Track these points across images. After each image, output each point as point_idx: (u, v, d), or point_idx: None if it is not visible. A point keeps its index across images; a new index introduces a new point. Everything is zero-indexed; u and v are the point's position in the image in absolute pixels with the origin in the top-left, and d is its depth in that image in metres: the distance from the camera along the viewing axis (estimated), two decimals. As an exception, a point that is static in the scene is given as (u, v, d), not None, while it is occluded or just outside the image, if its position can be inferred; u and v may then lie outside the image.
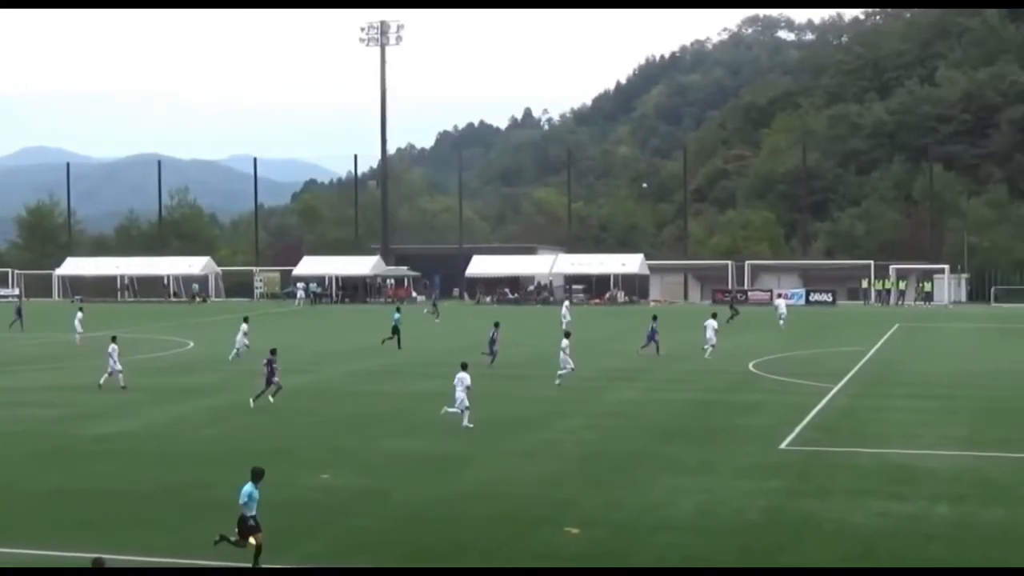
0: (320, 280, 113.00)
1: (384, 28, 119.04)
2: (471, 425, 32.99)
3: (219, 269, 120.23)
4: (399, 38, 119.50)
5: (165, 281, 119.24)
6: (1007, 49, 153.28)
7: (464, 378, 33.37)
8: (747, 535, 21.78)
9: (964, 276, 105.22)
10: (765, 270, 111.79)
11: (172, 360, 54.91)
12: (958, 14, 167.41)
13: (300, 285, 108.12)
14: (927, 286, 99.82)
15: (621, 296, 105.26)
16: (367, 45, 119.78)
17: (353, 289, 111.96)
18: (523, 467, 27.99)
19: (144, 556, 20.35)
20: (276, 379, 37.95)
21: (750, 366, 48.70)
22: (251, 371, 48.11)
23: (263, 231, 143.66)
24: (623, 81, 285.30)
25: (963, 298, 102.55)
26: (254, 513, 19.60)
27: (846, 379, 43.82)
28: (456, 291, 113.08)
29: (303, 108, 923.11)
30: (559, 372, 43.03)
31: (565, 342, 43.71)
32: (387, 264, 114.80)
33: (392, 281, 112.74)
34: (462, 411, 33.21)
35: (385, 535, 22.03)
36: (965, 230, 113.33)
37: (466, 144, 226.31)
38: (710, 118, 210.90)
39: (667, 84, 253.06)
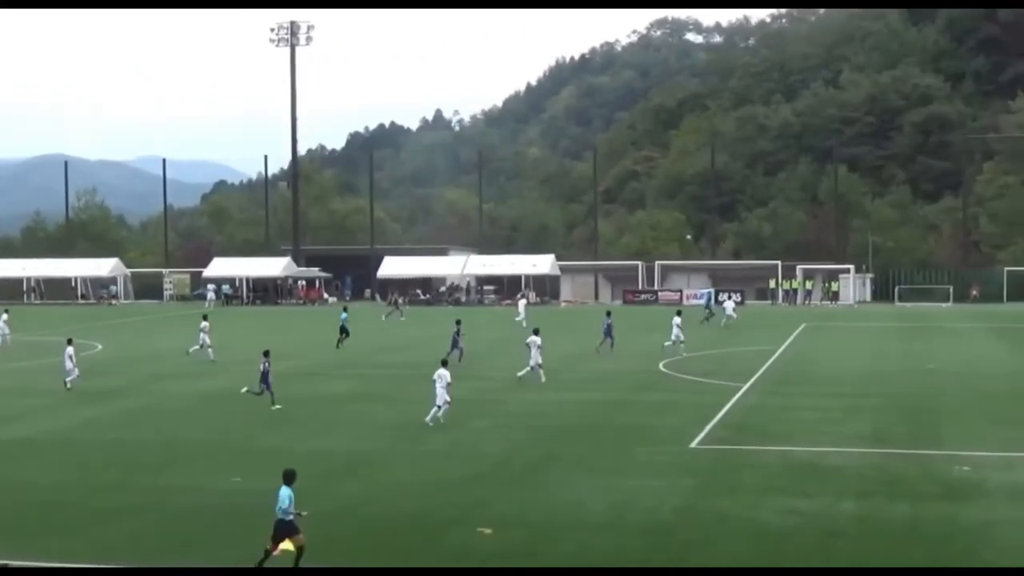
0: (231, 282, 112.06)
1: (294, 29, 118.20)
2: (440, 422, 33.49)
3: (128, 271, 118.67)
4: (309, 39, 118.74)
5: (73, 283, 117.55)
6: (909, 52, 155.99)
7: (444, 374, 33.84)
8: (659, 533, 22.13)
9: (869, 276, 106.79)
10: (674, 270, 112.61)
11: (81, 363, 54.18)
12: (862, 18, 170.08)
13: (211, 287, 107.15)
14: (833, 286, 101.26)
15: (532, 297, 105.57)
16: (277, 46, 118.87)
17: (264, 291, 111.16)
18: (437, 468, 28.15)
19: (57, 562, 20.24)
20: (270, 381, 38.02)
21: (661, 366, 49.17)
22: (161, 374, 47.86)
23: (172, 233, 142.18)
24: (533, 83, 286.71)
25: (868, 297, 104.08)
26: (292, 517, 19.46)
27: (755, 378, 44.39)
28: (368, 292, 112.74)
29: (212, 109, 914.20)
30: (529, 367, 43.54)
31: (536, 339, 43.92)
32: (298, 265, 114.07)
33: (303, 283, 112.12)
34: (439, 406, 33.64)
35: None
36: (869, 230, 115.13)
37: (377, 145, 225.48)
38: (619, 119, 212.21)
39: (577, 86, 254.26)
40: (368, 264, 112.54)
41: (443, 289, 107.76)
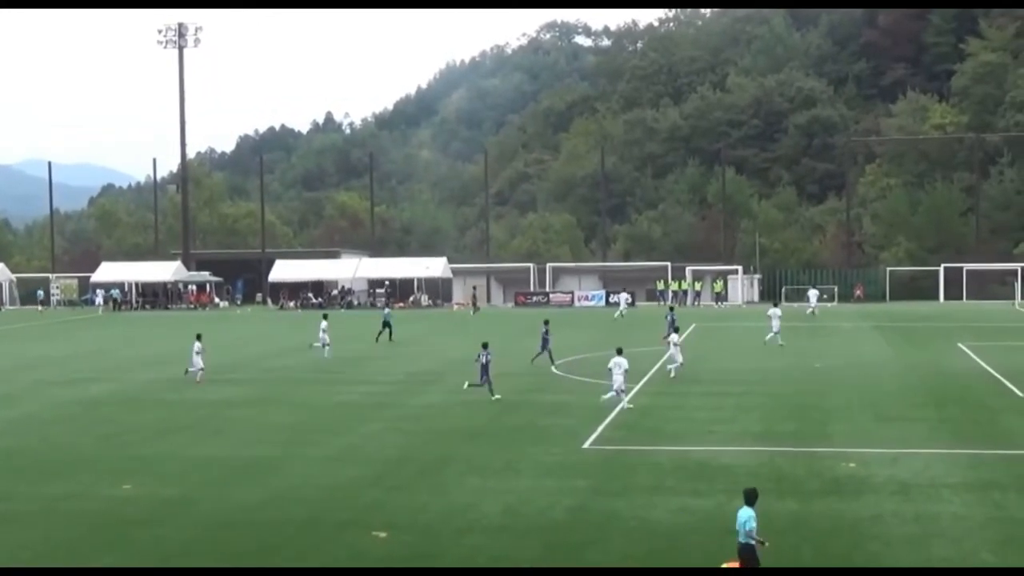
0: (120, 286, 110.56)
1: (182, 30, 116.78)
2: (631, 406, 36.27)
3: (13, 276, 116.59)
4: (197, 40, 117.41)
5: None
6: (793, 56, 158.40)
7: (621, 362, 36.45)
8: (553, 533, 22.27)
9: (756, 276, 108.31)
10: (566, 272, 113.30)
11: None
12: (747, 22, 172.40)
13: (99, 292, 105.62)
14: (717, 286, 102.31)
15: (425, 300, 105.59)
16: (165, 47, 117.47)
17: (154, 295, 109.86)
18: (329, 472, 28.05)
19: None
20: (489, 375, 39.62)
21: (553, 368, 49.35)
22: (46, 381, 46.99)
23: (59, 237, 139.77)
24: (424, 85, 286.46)
25: (755, 298, 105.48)
26: (755, 542, 18.16)
27: (646, 379, 44.67)
28: (259, 296, 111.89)
29: (99, 111, 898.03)
30: (670, 366, 45.80)
31: (676, 337, 47.17)
32: (188, 270, 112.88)
33: (194, 287, 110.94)
34: (618, 392, 36.31)
35: (191, 544, 21.90)
36: (756, 231, 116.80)
37: (267, 148, 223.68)
38: (510, 122, 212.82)
39: (468, 88, 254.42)
40: (259, 268, 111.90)
41: (335, 292, 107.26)
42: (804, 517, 23.27)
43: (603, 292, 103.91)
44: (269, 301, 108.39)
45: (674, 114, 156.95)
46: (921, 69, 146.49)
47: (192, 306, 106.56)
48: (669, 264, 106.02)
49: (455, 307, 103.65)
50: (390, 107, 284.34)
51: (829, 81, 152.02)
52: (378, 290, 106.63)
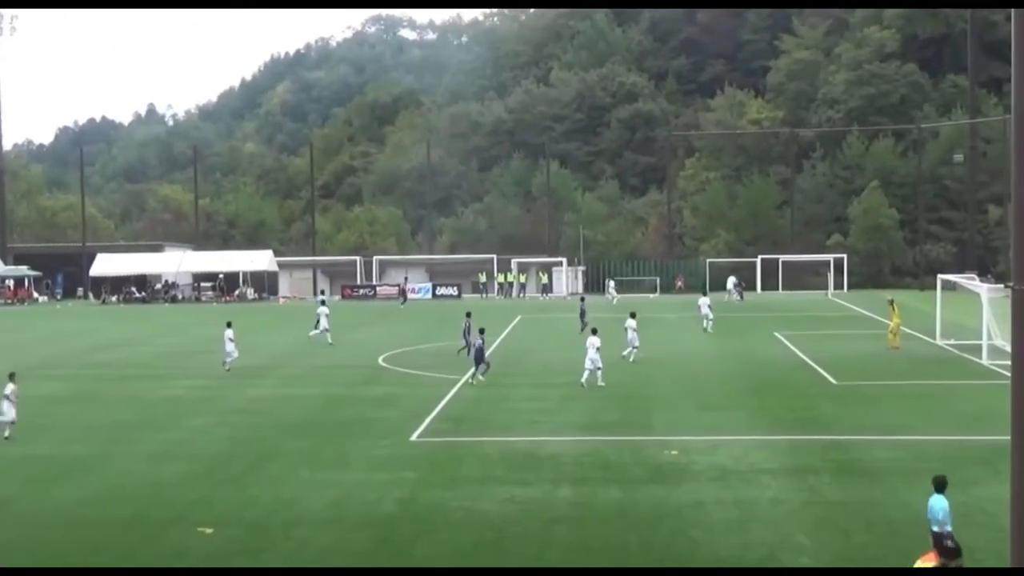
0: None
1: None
2: (603, 384, 39.29)
3: None
4: (13, 29, 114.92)
5: None
6: (615, 52, 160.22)
7: (594, 341, 39.98)
8: (382, 526, 22.41)
9: (580, 268, 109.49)
10: (392, 265, 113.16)
11: None
12: (569, 17, 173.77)
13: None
14: (543, 278, 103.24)
15: (251, 293, 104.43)
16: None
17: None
18: (154, 468, 27.74)
19: None
20: (486, 359, 41.82)
21: (380, 360, 49.42)
22: None
23: None
24: (248, 77, 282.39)
25: (580, 289, 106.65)
26: (951, 530, 17.61)
27: (472, 371, 45.04)
28: (80, 291, 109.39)
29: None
30: (633, 347, 47.80)
31: (632, 322, 48.31)
32: (5, 264, 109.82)
33: (11, 282, 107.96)
34: (595, 370, 39.38)
35: (10, 543, 21.53)
36: (580, 224, 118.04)
37: (88, 140, 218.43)
38: (335, 115, 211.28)
39: (293, 81, 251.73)
40: (80, 261, 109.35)
41: (159, 287, 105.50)
42: (629, 504, 23.76)
43: (430, 285, 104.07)
44: (91, 295, 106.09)
45: (499, 108, 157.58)
46: (738, 65, 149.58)
47: (10, 301, 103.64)
48: (495, 256, 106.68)
49: (281, 300, 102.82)
50: (214, 99, 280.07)
51: (650, 76, 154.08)
52: (203, 284, 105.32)
